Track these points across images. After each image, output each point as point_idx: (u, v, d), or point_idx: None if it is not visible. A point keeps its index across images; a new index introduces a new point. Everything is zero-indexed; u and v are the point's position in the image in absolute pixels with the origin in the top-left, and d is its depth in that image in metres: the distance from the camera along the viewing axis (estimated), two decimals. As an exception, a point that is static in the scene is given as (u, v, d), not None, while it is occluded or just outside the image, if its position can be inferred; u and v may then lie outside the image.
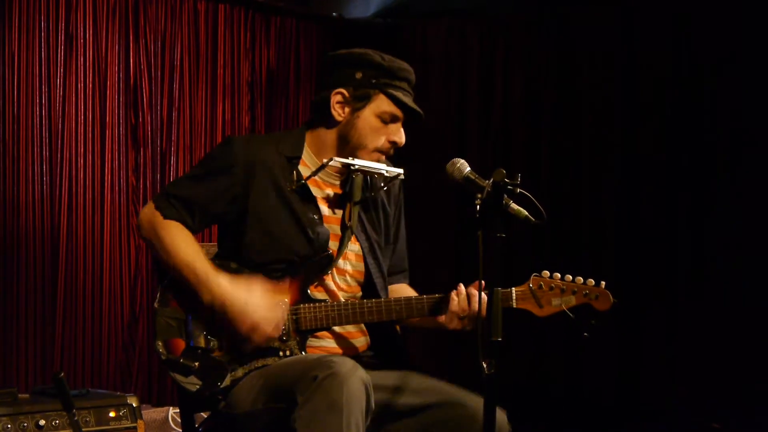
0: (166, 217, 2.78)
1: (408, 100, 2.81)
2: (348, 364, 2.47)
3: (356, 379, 2.45)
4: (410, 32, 5.87)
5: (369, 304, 2.74)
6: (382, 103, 2.80)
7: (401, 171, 2.85)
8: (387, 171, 2.83)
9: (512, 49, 5.59)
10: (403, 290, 3.03)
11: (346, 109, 2.81)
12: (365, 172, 2.83)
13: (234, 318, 2.67)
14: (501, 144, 5.58)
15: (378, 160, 2.83)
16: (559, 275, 2.75)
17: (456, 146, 5.52)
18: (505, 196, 2.42)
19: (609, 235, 5.23)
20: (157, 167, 5.05)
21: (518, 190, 2.42)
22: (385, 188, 2.93)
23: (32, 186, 4.60)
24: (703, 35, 5.03)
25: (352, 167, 2.79)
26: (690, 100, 5.07)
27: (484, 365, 2.33)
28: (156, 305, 2.75)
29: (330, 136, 2.84)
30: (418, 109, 2.82)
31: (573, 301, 2.73)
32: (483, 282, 2.57)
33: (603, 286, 2.73)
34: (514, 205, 2.45)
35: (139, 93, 4.98)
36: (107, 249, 4.86)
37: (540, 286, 2.73)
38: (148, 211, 2.81)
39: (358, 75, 2.79)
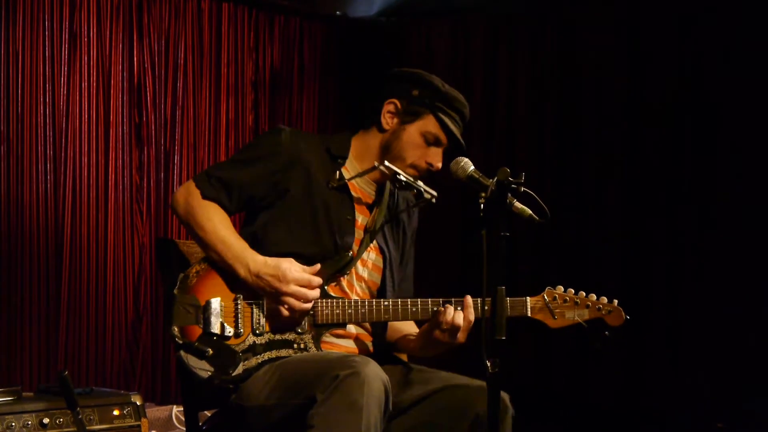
0: (204, 196, 2.81)
1: (455, 129, 2.88)
2: (369, 365, 2.49)
3: (377, 379, 2.47)
4: (414, 31, 5.87)
5: (386, 303, 2.78)
6: (429, 124, 2.87)
7: (435, 194, 2.90)
8: (425, 190, 2.88)
9: (516, 48, 5.58)
10: (407, 325, 3.04)
11: (395, 120, 2.88)
12: (405, 186, 2.88)
13: (271, 281, 2.70)
14: (505, 143, 5.58)
15: (413, 176, 2.89)
16: (572, 291, 2.83)
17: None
18: (509, 194, 2.43)
19: (613, 234, 5.23)
20: (161, 166, 5.06)
21: (522, 189, 2.43)
22: (413, 207, 3.01)
23: (36, 184, 4.60)
24: (708, 35, 5.02)
25: (397, 176, 2.85)
26: (695, 100, 5.06)
27: (488, 364, 2.33)
28: (175, 291, 2.75)
29: (374, 142, 2.91)
30: (461, 140, 2.89)
31: (586, 315, 2.83)
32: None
33: (615, 303, 2.83)
34: (518, 204, 2.47)
35: (143, 92, 4.98)
36: (111, 247, 4.86)
37: (554, 299, 2.81)
38: (185, 190, 2.85)
39: (415, 92, 2.87)
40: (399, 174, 2.84)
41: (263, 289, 2.72)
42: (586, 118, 5.36)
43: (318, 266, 2.76)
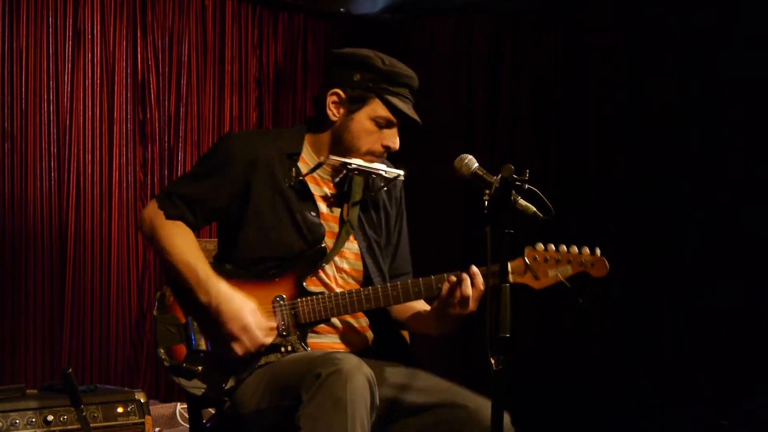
0: (168, 216, 2.79)
1: (405, 106, 2.78)
2: (352, 361, 2.47)
3: (360, 375, 2.45)
4: (417, 28, 5.87)
5: (366, 292, 2.72)
6: (377, 108, 2.77)
7: (401, 172, 2.83)
8: (386, 171, 2.81)
9: (519, 45, 5.57)
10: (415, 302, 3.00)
11: (341, 110, 2.79)
12: (362, 172, 2.81)
13: (226, 321, 2.67)
14: (508, 140, 5.57)
15: (371, 162, 2.81)
16: (553, 246, 2.72)
17: (464, 142, 5.51)
18: (513, 192, 2.41)
19: (616, 230, 5.22)
20: (165, 163, 5.06)
21: (526, 186, 2.41)
22: (385, 188, 2.92)
23: (40, 182, 4.61)
24: (711, 34, 5.01)
25: (348, 166, 2.78)
26: (697, 99, 5.05)
27: (493, 361, 2.32)
28: (155, 313, 2.75)
29: (325, 135, 2.83)
30: (414, 116, 2.79)
31: (569, 270, 2.70)
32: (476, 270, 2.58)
33: (598, 254, 2.70)
34: (522, 201, 2.44)
35: (146, 89, 4.98)
36: (115, 245, 4.87)
37: (535, 259, 2.70)
38: (151, 211, 2.83)
39: (357, 77, 2.77)
40: (350, 164, 2.76)
41: (218, 322, 2.69)
42: (590, 116, 5.35)
43: (274, 325, 2.71)
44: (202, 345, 2.71)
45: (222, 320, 2.67)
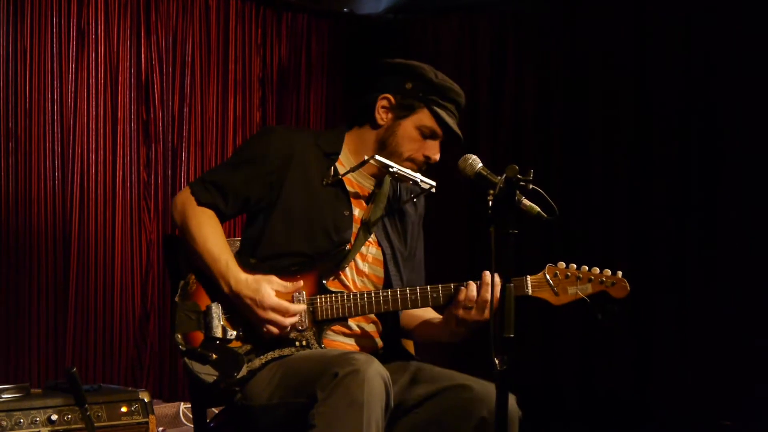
0: (200, 202, 2.82)
1: (451, 121, 2.86)
2: (369, 361, 2.48)
3: (377, 376, 2.46)
4: (421, 28, 5.87)
5: (384, 294, 2.75)
6: (424, 117, 2.84)
7: (434, 183, 2.88)
8: (422, 180, 2.86)
9: (523, 45, 5.57)
10: (424, 310, 3.01)
11: (390, 115, 2.86)
12: (400, 178, 2.86)
13: (250, 308, 2.69)
14: (512, 140, 5.57)
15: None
16: (574, 265, 2.75)
17: (468, 142, 5.49)
18: (518, 192, 2.42)
19: (621, 230, 5.22)
20: (169, 163, 5.06)
21: (530, 186, 2.42)
22: (414, 199, 2.97)
23: (44, 181, 4.61)
24: (715, 33, 5.01)
25: (390, 169, 2.82)
26: (702, 97, 5.05)
27: (497, 362, 2.33)
28: (177, 299, 2.77)
29: (369, 137, 2.88)
30: (458, 131, 2.87)
31: (589, 289, 2.73)
32: (496, 276, 2.59)
33: (620, 275, 2.73)
34: (526, 201, 2.45)
35: (150, 89, 4.98)
36: (119, 244, 4.87)
37: (555, 275, 2.74)
38: (183, 196, 2.85)
39: (408, 85, 2.84)
40: (392, 167, 2.82)
41: (242, 309, 2.72)
42: (593, 116, 5.35)
43: (301, 283, 2.74)
44: (219, 333, 2.73)
45: (245, 304, 2.70)
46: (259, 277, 2.72)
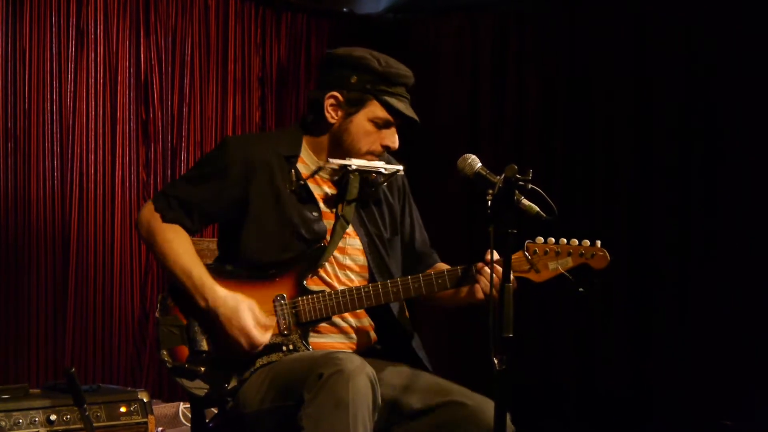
0: (165, 219, 2.81)
1: (403, 106, 2.79)
2: (354, 361, 2.47)
3: (362, 375, 2.45)
4: (421, 28, 5.86)
5: (366, 289, 2.73)
6: (375, 109, 2.79)
7: (401, 167, 2.85)
8: (385, 168, 2.82)
9: (524, 44, 5.56)
10: (440, 269, 2.98)
11: (339, 113, 2.81)
12: (362, 172, 2.82)
13: (224, 322, 2.69)
14: (513, 140, 5.57)
15: (370, 161, 2.83)
16: (553, 239, 2.72)
17: (468, 142, 5.50)
18: (517, 192, 2.41)
19: (621, 230, 5.21)
20: (168, 163, 5.06)
21: (530, 186, 2.41)
22: (385, 183, 2.92)
23: (43, 181, 4.61)
24: (716, 32, 5.00)
25: (348, 167, 2.79)
26: (703, 97, 5.04)
27: (496, 361, 2.32)
28: (157, 315, 2.77)
29: (324, 137, 2.85)
30: (412, 115, 2.80)
31: (570, 262, 2.70)
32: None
33: (599, 245, 2.71)
34: (525, 201, 2.44)
35: (149, 88, 4.98)
36: (118, 244, 4.86)
37: (535, 252, 2.71)
38: (147, 213, 2.84)
39: (353, 79, 2.78)
40: (350, 166, 2.79)
41: (217, 325, 2.71)
42: (595, 115, 5.34)
43: (273, 322, 2.72)
44: (204, 346, 2.73)
45: (220, 322, 2.69)
46: (239, 297, 2.71)
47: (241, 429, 2.73)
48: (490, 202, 2.43)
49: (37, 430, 3.41)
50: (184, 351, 2.74)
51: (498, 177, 2.45)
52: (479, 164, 2.58)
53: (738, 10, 4.92)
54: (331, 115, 2.81)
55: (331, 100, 2.81)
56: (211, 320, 2.71)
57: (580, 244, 2.70)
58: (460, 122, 5.67)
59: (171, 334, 2.74)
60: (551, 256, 2.70)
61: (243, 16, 5.39)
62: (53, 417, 3.42)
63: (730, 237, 4.92)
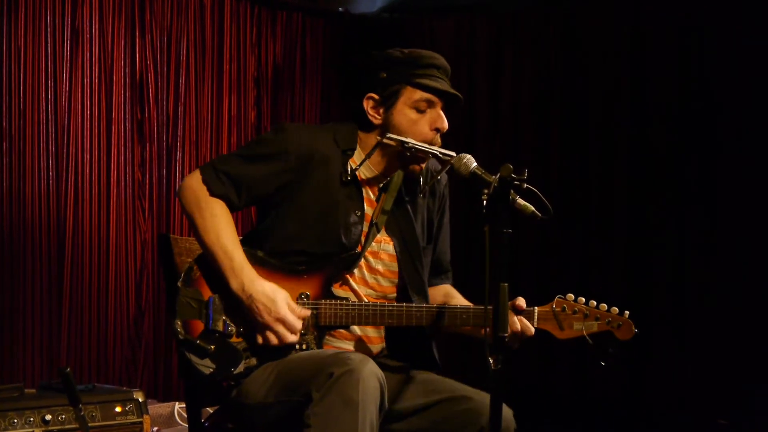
0: (212, 192, 2.77)
1: (437, 83, 2.80)
2: (364, 361, 2.47)
3: (372, 376, 2.46)
4: (417, 28, 5.86)
5: (390, 308, 2.73)
6: (412, 94, 2.79)
7: (454, 154, 2.74)
8: (442, 153, 2.76)
9: (520, 44, 5.57)
10: (445, 292, 3.01)
11: (381, 111, 2.82)
12: (418, 153, 2.77)
13: (261, 311, 2.66)
14: (509, 139, 5.57)
15: None
16: (583, 299, 2.75)
17: (464, 142, 5.50)
18: (512, 191, 2.41)
19: (619, 230, 5.22)
20: (163, 162, 5.05)
21: (525, 186, 2.41)
22: (438, 177, 2.91)
23: (38, 181, 4.60)
24: (713, 30, 5.01)
25: (405, 145, 2.76)
26: (699, 95, 5.05)
27: (491, 361, 2.32)
28: (179, 284, 2.73)
29: (374, 140, 2.83)
30: (450, 90, 2.81)
31: (595, 327, 2.75)
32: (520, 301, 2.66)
33: (626, 316, 2.76)
34: (520, 201, 2.44)
35: (145, 88, 4.98)
36: (113, 244, 4.86)
37: (563, 309, 2.74)
38: (194, 183, 2.79)
39: (383, 75, 2.81)
40: (407, 143, 2.76)
41: (250, 312, 2.69)
42: (591, 114, 5.35)
43: (308, 312, 2.71)
44: (219, 326, 2.70)
45: (255, 310, 2.67)
46: (276, 287, 2.69)
47: (242, 420, 2.72)
48: (485, 202, 2.43)
49: (32, 429, 3.41)
50: (199, 326, 2.70)
51: (493, 176, 2.44)
52: (474, 164, 2.57)
53: (736, 9, 4.92)
54: (374, 116, 2.82)
55: (370, 102, 2.82)
56: (237, 304, 2.69)
57: (609, 310, 2.74)
58: (455, 121, 5.66)
59: (189, 306, 2.71)
60: (579, 317, 2.74)
61: (238, 15, 5.39)
62: (48, 417, 3.42)
63: (728, 236, 4.93)
